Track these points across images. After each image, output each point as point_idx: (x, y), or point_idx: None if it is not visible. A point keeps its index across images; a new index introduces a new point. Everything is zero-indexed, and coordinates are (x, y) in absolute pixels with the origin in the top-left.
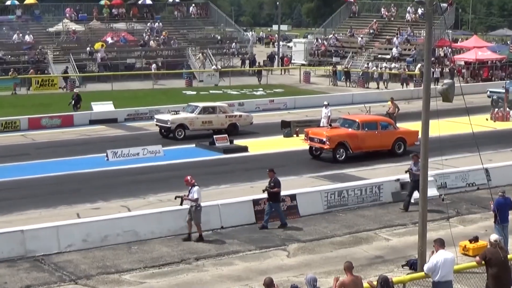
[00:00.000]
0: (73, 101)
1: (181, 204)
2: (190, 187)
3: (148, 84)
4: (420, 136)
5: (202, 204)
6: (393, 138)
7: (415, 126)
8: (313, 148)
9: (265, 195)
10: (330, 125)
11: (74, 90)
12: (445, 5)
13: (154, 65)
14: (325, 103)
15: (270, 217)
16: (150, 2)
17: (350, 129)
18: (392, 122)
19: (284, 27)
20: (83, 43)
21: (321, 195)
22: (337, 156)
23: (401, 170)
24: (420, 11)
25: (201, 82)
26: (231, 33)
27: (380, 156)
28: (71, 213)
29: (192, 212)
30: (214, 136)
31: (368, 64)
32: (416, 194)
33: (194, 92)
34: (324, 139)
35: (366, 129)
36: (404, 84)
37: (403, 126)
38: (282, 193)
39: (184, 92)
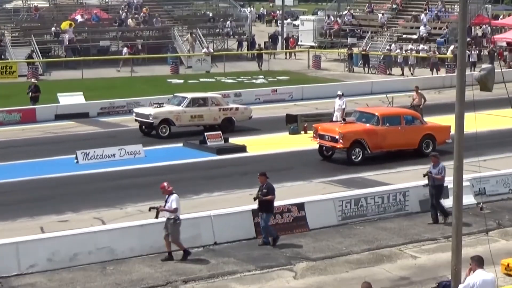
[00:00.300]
0: (30, 93)
1: (156, 216)
2: (167, 196)
3: (126, 71)
4: (453, 132)
5: (191, 215)
6: (420, 135)
7: (447, 120)
8: (324, 147)
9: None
10: (344, 119)
11: (32, 80)
12: None
13: (125, 49)
14: (339, 93)
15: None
16: None
17: (368, 125)
18: (419, 116)
19: (289, 2)
20: (47, 22)
21: (334, 204)
22: (353, 157)
23: None
24: None
25: (189, 69)
26: (226, 9)
27: (404, 157)
28: (33, 227)
29: (169, 226)
30: (206, 134)
31: (390, 46)
32: (447, 202)
33: (181, 81)
34: (337, 137)
35: (388, 124)
36: (434, 70)
37: (432, 120)
38: (288, 201)
39: (169, 80)
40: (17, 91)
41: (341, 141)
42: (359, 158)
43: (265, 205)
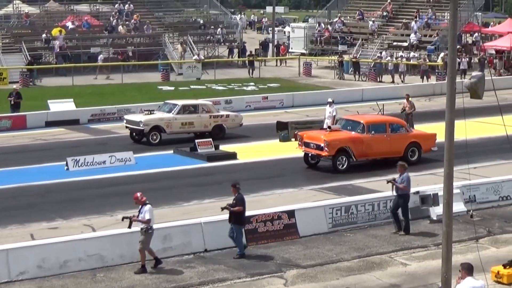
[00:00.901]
0: (12, 100)
1: (129, 226)
2: (140, 206)
3: (117, 78)
4: (443, 140)
5: (182, 222)
6: (406, 143)
7: (438, 127)
8: (309, 155)
9: (258, 211)
10: (330, 127)
11: (14, 86)
12: None
13: (101, 56)
14: (330, 100)
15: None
16: None
17: (353, 132)
18: (404, 123)
19: (280, 9)
20: (37, 28)
21: (325, 212)
22: (338, 164)
23: (420, 181)
24: None
25: (180, 76)
26: (216, 16)
27: (395, 165)
28: (23, 234)
29: (140, 234)
30: (196, 141)
31: (381, 53)
32: (437, 210)
33: (172, 88)
34: (322, 145)
35: (373, 132)
36: (425, 78)
37: (423, 127)
38: (279, 209)
39: (159, 87)
40: (6, 98)
41: (326, 149)
42: (345, 166)
43: (235, 216)
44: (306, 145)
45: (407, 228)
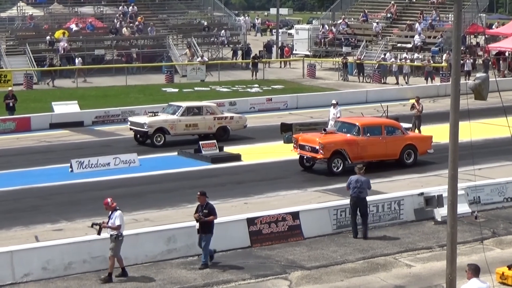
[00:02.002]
0: (10, 102)
1: (98, 233)
2: (110, 212)
3: (121, 80)
4: (447, 141)
5: (186, 224)
6: (402, 146)
7: (442, 128)
8: (304, 158)
9: (263, 212)
10: (325, 129)
11: (9, 88)
12: None
13: (79, 59)
14: (334, 102)
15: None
16: None
17: (348, 135)
18: (400, 126)
19: (284, 11)
20: (41, 31)
21: (329, 213)
22: (333, 167)
23: (425, 182)
24: None
25: (184, 77)
26: (220, 18)
27: (400, 166)
28: (28, 236)
29: (110, 241)
30: (200, 142)
31: (385, 55)
32: (442, 211)
33: (176, 90)
34: (317, 147)
35: (368, 134)
36: (429, 79)
37: (427, 129)
38: (283, 210)
39: (164, 89)
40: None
41: (321, 151)
42: (340, 169)
43: (207, 226)
44: (301, 147)
45: (366, 234)
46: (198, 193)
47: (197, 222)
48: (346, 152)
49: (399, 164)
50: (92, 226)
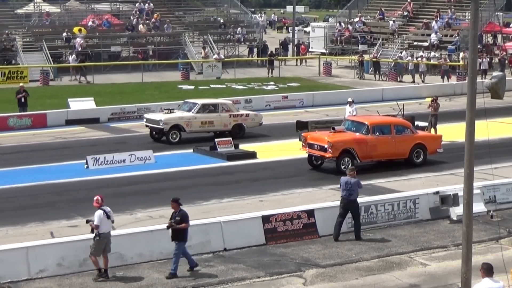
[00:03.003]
0: (22, 98)
1: (92, 231)
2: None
3: (137, 77)
4: (463, 140)
5: (201, 221)
6: (411, 145)
7: (458, 127)
8: (313, 156)
9: (278, 210)
10: (334, 128)
11: (20, 84)
12: None
13: (73, 56)
14: (350, 99)
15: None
16: None
17: (357, 134)
18: (410, 125)
19: (300, 9)
20: (58, 27)
21: None
22: (342, 166)
23: (440, 181)
24: None
25: (200, 75)
26: (237, 15)
27: (416, 165)
28: (43, 232)
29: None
30: (216, 140)
31: (401, 53)
32: (457, 210)
33: (192, 87)
34: (326, 146)
35: (378, 133)
36: (445, 78)
37: (443, 128)
38: (298, 208)
39: (179, 86)
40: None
41: (330, 150)
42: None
43: (179, 233)
44: (310, 146)
45: (359, 236)
46: (171, 200)
47: (168, 229)
48: (355, 151)
49: (408, 163)
50: (87, 222)
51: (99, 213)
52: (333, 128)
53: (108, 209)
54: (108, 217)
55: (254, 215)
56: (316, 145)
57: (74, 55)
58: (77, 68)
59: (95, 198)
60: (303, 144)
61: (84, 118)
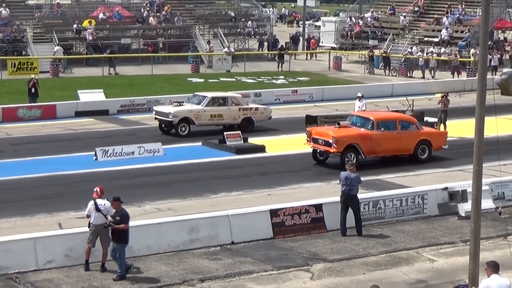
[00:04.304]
0: (33, 89)
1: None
2: None
3: (147, 69)
4: (473, 136)
5: (209, 214)
6: (416, 141)
7: (468, 123)
8: (318, 151)
9: (286, 204)
10: (339, 123)
11: (32, 75)
12: None
13: (57, 47)
14: (359, 94)
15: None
16: None
17: (362, 129)
18: (415, 121)
19: (311, 3)
20: (69, 19)
21: None
22: (346, 161)
23: (449, 177)
24: None
25: (210, 68)
26: (247, 9)
27: (427, 160)
28: (51, 223)
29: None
30: (225, 133)
31: (411, 48)
32: (466, 206)
33: (202, 80)
34: (331, 141)
35: (382, 129)
36: (455, 74)
37: (453, 124)
38: (306, 202)
39: (189, 79)
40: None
41: (334, 145)
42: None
43: (119, 234)
44: (315, 141)
45: (360, 231)
46: (111, 199)
47: (105, 228)
48: (360, 146)
49: (413, 159)
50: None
51: (89, 203)
52: (338, 123)
53: (101, 201)
54: (98, 209)
55: (262, 208)
56: (321, 140)
57: (59, 47)
58: (108, 60)
59: (95, 189)
60: (308, 138)
61: (94, 110)
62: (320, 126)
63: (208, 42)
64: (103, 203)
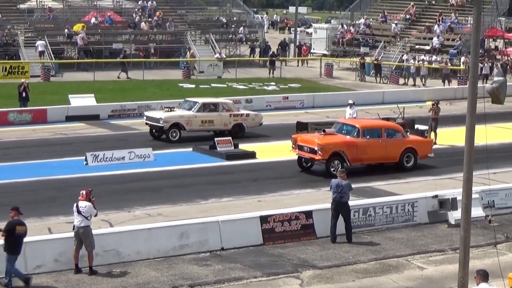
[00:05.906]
0: (24, 93)
1: None
2: None
3: (138, 74)
4: (463, 144)
5: (199, 220)
6: (401, 149)
7: (458, 131)
8: (303, 158)
9: (276, 210)
10: (324, 130)
11: (22, 80)
12: None
13: (41, 42)
14: (350, 101)
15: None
16: None
17: (348, 137)
18: (401, 129)
19: (303, 10)
20: (60, 23)
21: None
22: (332, 169)
23: (439, 185)
24: None
25: (201, 74)
26: (239, 15)
27: (414, 168)
28: (41, 228)
29: None
30: (216, 139)
31: (403, 56)
32: (456, 214)
33: (193, 85)
34: (316, 148)
35: (368, 136)
36: (446, 81)
37: (444, 131)
38: (296, 209)
39: (180, 85)
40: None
41: (319, 152)
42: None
43: (9, 243)
44: (300, 148)
45: (350, 238)
46: (10, 209)
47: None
48: (345, 153)
49: (398, 167)
50: None
51: (74, 206)
52: (324, 130)
53: (82, 203)
54: (79, 211)
55: (252, 215)
56: (306, 147)
57: (41, 42)
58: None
59: (81, 192)
60: (293, 145)
61: (85, 114)
62: (305, 133)
63: (189, 49)
64: (85, 205)
